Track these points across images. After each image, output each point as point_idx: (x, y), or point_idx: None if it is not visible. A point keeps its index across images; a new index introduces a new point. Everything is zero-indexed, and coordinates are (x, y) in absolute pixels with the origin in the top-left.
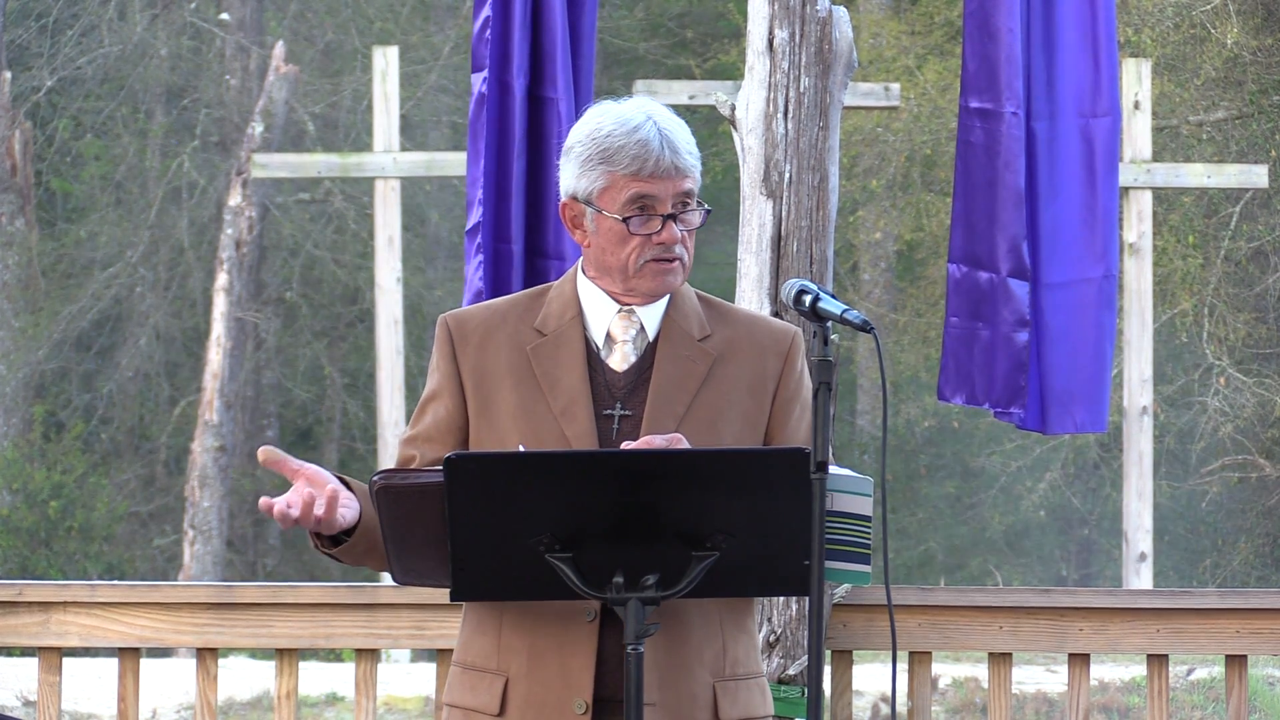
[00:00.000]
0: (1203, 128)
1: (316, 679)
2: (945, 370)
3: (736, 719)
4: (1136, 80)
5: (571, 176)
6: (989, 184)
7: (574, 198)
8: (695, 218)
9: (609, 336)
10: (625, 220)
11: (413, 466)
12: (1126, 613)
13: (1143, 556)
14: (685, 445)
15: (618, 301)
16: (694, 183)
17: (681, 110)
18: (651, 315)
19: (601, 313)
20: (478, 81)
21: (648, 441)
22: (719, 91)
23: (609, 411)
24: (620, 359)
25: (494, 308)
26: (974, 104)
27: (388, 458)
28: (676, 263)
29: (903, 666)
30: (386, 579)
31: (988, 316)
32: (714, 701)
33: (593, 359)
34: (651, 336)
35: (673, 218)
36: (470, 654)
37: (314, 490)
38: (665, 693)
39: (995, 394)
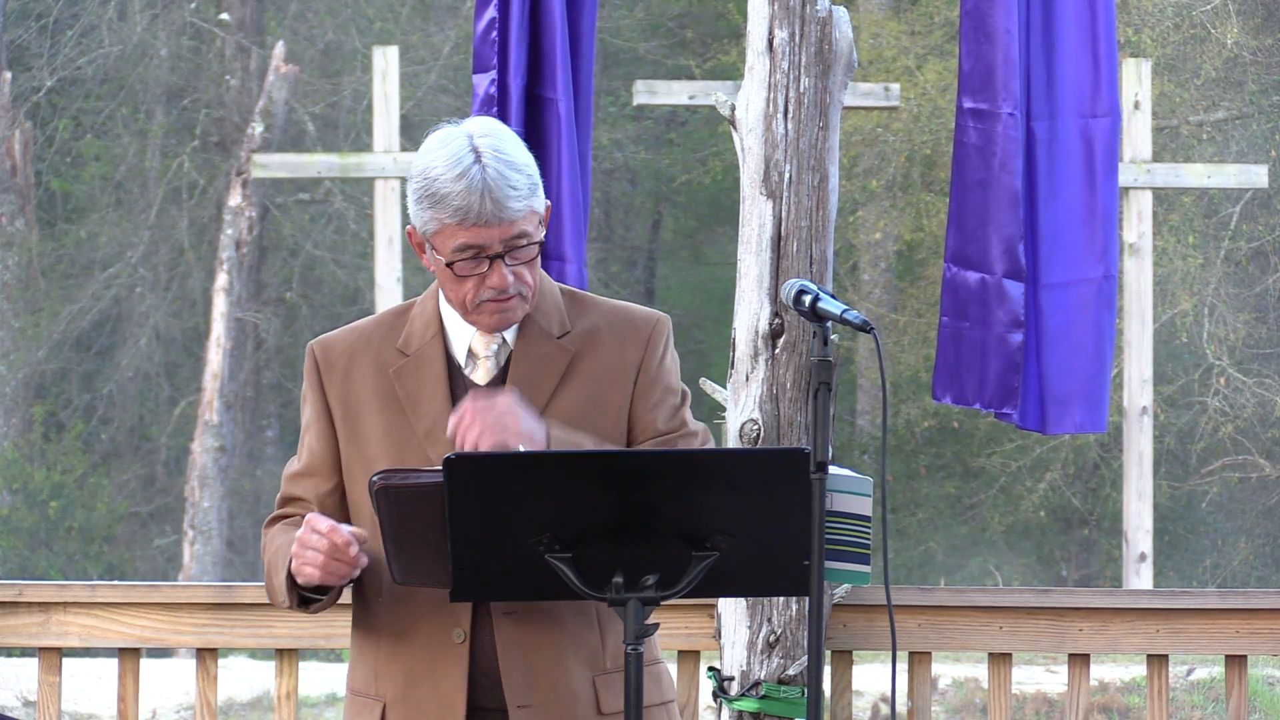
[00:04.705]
0: (1203, 128)
1: (316, 679)
2: (938, 370)
3: (620, 710)
4: (1136, 80)
5: (411, 208)
6: (983, 184)
7: (414, 229)
8: (529, 253)
9: (471, 353)
10: (451, 265)
11: (294, 511)
12: (1126, 613)
13: (1143, 556)
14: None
15: None
16: (526, 221)
17: (681, 110)
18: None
19: (463, 329)
20: (482, 83)
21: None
22: (719, 91)
23: None
24: (484, 374)
25: (359, 330)
26: (969, 104)
27: None
28: (513, 299)
29: (903, 666)
30: None
31: (980, 317)
32: (595, 696)
33: (455, 375)
34: (513, 345)
35: (501, 258)
36: (355, 680)
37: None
38: (540, 694)
39: (987, 394)
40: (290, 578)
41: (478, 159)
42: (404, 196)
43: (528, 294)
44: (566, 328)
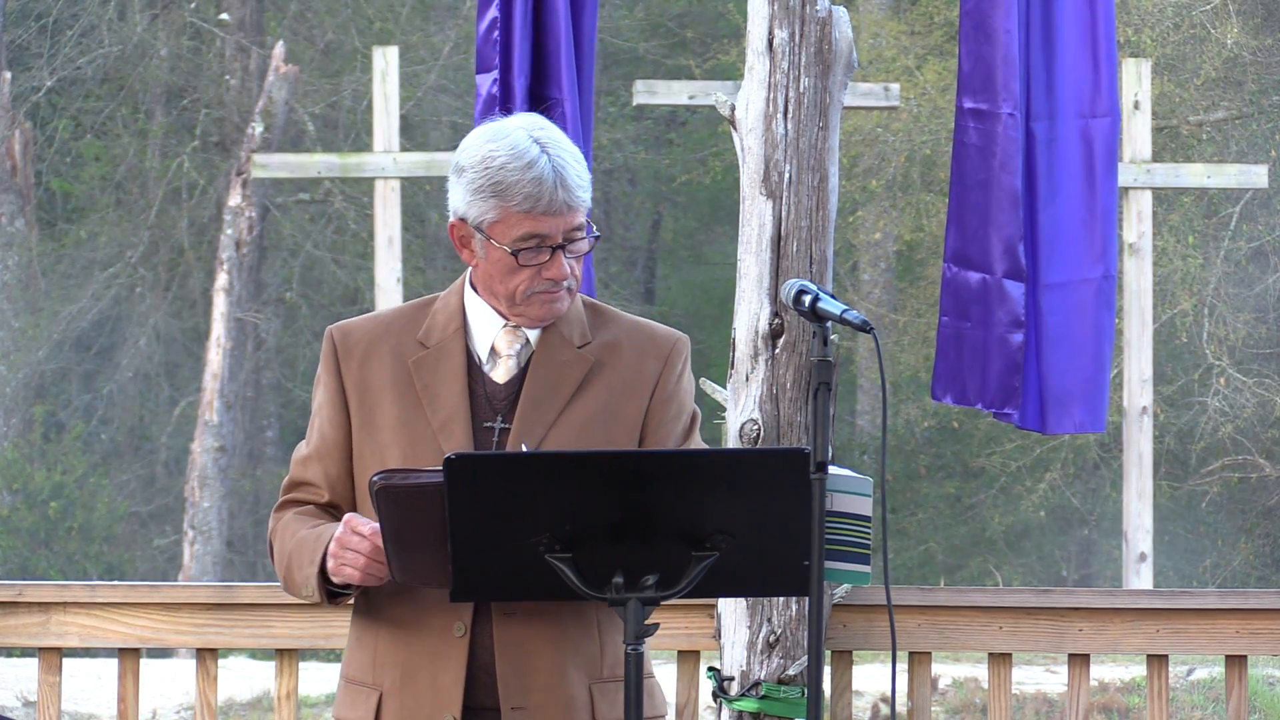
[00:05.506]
0: (1203, 128)
1: (316, 679)
2: (938, 370)
3: None
4: (1136, 80)
5: (461, 200)
6: (983, 185)
7: (463, 220)
8: (584, 245)
9: (494, 350)
10: (515, 253)
11: (304, 497)
12: (1126, 613)
13: (1143, 556)
14: None
15: (504, 317)
16: (585, 214)
17: (681, 110)
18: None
19: (487, 326)
20: (485, 83)
21: None
22: (719, 91)
23: (489, 424)
24: (504, 372)
25: (379, 319)
26: (969, 104)
27: None
28: (562, 291)
29: (902, 667)
30: None
31: (981, 317)
32: (591, 704)
33: (474, 371)
34: (534, 347)
35: (562, 248)
36: (351, 668)
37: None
38: (535, 696)
39: (988, 395)
40: (321, 574)
41: (543, 150)
42: (404, 197)
43: (575, 287)
44: (587, 338)
